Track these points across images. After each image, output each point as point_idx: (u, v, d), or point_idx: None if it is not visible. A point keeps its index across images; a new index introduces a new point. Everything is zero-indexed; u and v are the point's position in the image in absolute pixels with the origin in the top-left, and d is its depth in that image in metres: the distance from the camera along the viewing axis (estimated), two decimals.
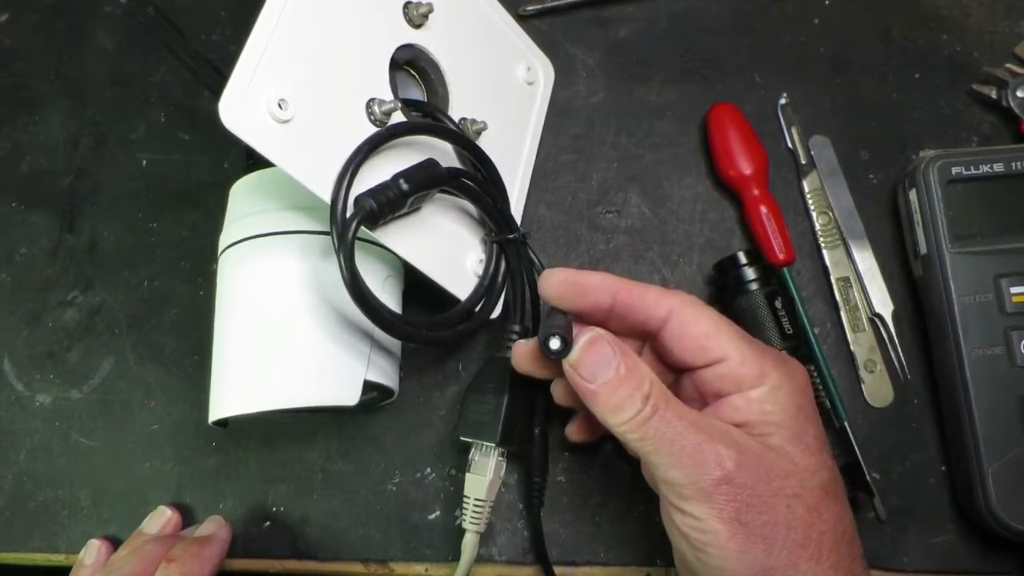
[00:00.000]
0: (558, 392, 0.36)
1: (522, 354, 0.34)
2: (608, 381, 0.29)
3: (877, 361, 0.41)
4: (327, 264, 0.34)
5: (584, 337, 0.30)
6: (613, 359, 0.30)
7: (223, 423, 0.36)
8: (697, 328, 0.31)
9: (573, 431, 0.38)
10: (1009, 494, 0.36)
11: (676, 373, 0.33)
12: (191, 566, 0.36)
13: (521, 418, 0.36)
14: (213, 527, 0.39)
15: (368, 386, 0.35)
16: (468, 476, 0.36)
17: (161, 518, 0.40)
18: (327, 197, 0.32)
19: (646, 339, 0.34)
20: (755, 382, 0.30)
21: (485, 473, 0.35)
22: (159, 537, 0.39)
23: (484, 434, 0.35)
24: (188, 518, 0.41)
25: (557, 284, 0.33)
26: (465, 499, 0.35)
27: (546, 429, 0.38)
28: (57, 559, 0.41)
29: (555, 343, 0.30)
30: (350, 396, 0.34)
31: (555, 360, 0.30)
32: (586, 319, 0.33)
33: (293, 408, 0.34)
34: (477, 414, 0.35)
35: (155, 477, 0.41)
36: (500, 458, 0.36)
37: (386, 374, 0.36)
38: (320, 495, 0.40)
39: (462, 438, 0.36)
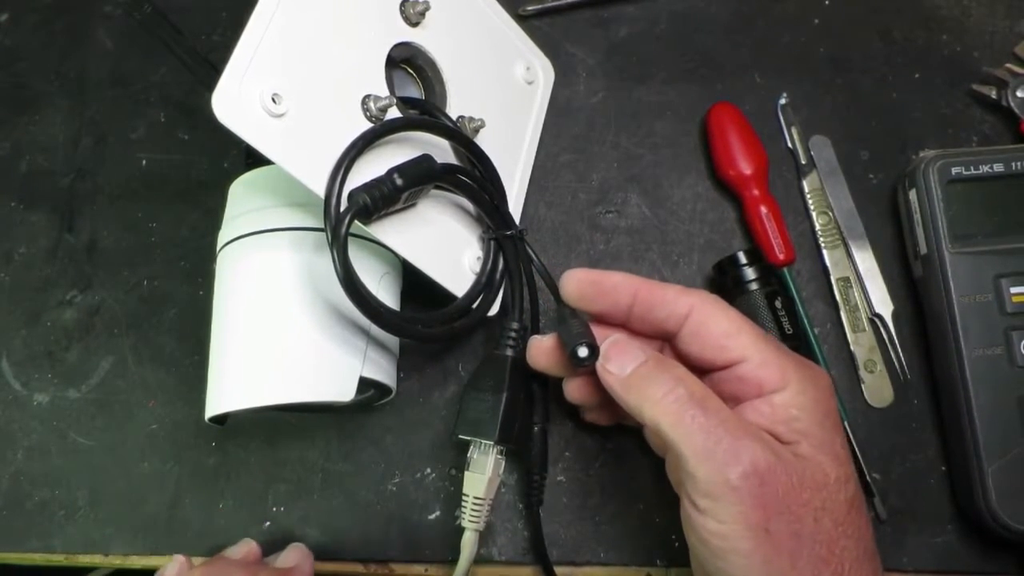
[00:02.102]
0: (571, 390, 0.36)
1: (539, 351, 0.34)
2: (638, 368, 0.29)
3: (877, 361, 0.41)
4: (322, 259, 0.34)
5: (608, 340, 0.31)
6: (640, 353, 0.30)
7: (220, 420, 0.35)
8: (718, 327, 0.31)
9: (595, 417, 0.38)
10: (1009, 494, 0.36)
11: (697, 375, 0.33)
12: None
13: (519, 416, 0.36)
14: (297, 557, 0.38)
15: (365, 383, 0.35)
16: (467, 474, 0.35)
17: (245, 547, 0.38)
18: (321, 192, 0.32)
19: (666, 340, 0.34)
20: (776, 386, 0.29)
21: (484, 471, 0.35)
22: (244, 563, 0.37)
23: (482, 432, 0.35)
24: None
25: (578, 284, 0.33)
26: (464, 497, 0.35)
27: (546, 427, 0.38)
28: (57, 559, 0.41)
29: (583, 351, 0.30)
30: (346, 392, 0.34)
31: (585, 368, 0.30)
32: (606, 319, 0.33)
33: (289, 404, 0.34)
34: (476, 412, 0.35)
35: (154, 477, 0.41)
36: (499, 456, 0.35)
37: (383, 371, 0.36)
38: (320, 495, 0.40)
39: (460, 436, 0.35)
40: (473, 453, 0.35)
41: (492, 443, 0.35)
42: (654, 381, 0.29)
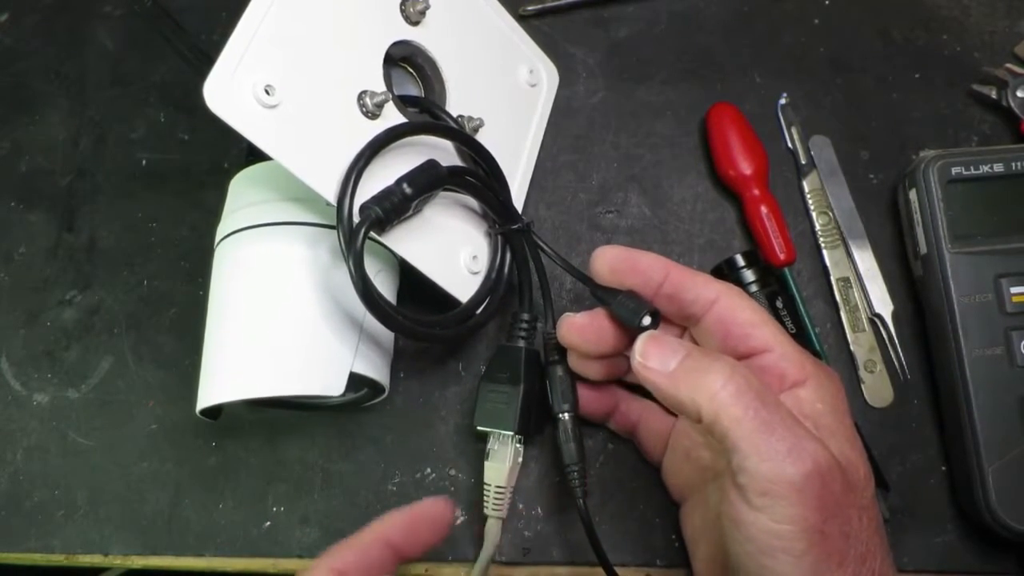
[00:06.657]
0: (581, 365, 0.35)
1: (571, 328, 0.33)
2: (684, 360, 0.28)
3: (877, 361, 0.41)
4: (316, 254, 0.35)
5: (641, 337, 0.30)
6: (680, 346, 0.29)
7: (213, 415, 0.35)
8: (744, 315, 0.31)
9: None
10: (1009, 494, 0.36)
11: None
12: None
13: (535, 405, 0.37)
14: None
15: (358, 380, 0.35)
16: (488, 464, 0.36)
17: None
18: (312, 183, 0.32)
19: (685, 327, 0.34)
20: (797, 378, 0.29)
21: (504, 461, 0.36)
22: None
23: (502, 423, 0.36)
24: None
25: (611, 259, 0.33)
26: (486, 487, 0.36)
27: (577, 414, 0.36)
28: (57, 559, 0.41)
29: (647, 320, 0.30)
30: (335, 386, 0.34)
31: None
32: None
33: (279, 397, 0.34)
34: (493, 404, 0.36)
35: (153, 477, 0.41)
36: (518, 445, 0.36)
37: (375, 368, 0.36)
38: (320, 495, 0.40)
39: (479, 428, 0.36)
40: (493, 444, 0.37)
41: (512, 434, 0.36)
42: (707, 371, 0.27)
